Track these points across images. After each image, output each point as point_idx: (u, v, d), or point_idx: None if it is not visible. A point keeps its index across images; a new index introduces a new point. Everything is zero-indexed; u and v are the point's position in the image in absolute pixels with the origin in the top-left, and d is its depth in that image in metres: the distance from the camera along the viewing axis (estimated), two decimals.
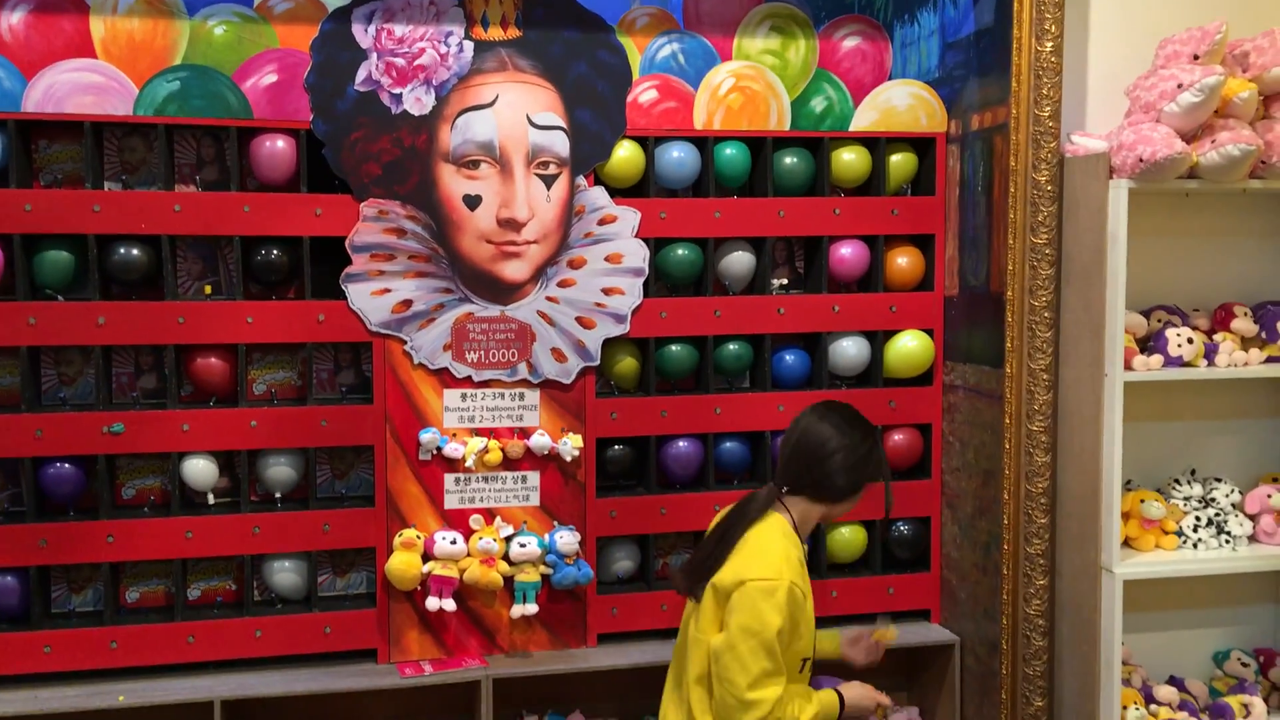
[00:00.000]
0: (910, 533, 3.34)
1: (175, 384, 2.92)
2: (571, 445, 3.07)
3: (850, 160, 3.24)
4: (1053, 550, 2.92)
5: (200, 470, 2.94)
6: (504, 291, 3.04)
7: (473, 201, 2.99)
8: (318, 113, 2.90)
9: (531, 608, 3.05)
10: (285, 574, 3.02)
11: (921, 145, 3.30)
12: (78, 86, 2.77)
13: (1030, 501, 2.92)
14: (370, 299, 2.96)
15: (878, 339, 3.29)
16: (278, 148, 2.91)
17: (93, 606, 3.00)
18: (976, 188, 3.12)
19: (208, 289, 3.00)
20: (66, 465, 2.86)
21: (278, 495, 3.03)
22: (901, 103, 3.23)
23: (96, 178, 2.87)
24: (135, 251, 2.86)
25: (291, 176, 2.94)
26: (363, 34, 2.90)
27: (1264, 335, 2.97)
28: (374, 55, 2.91)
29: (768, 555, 2.26)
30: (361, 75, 2.91)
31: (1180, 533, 2.94)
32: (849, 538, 3.31)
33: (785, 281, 3.35)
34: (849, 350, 3.27)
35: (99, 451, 2.85)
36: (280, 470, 3.00)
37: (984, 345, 3.08)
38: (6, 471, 2.93)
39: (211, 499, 3.00)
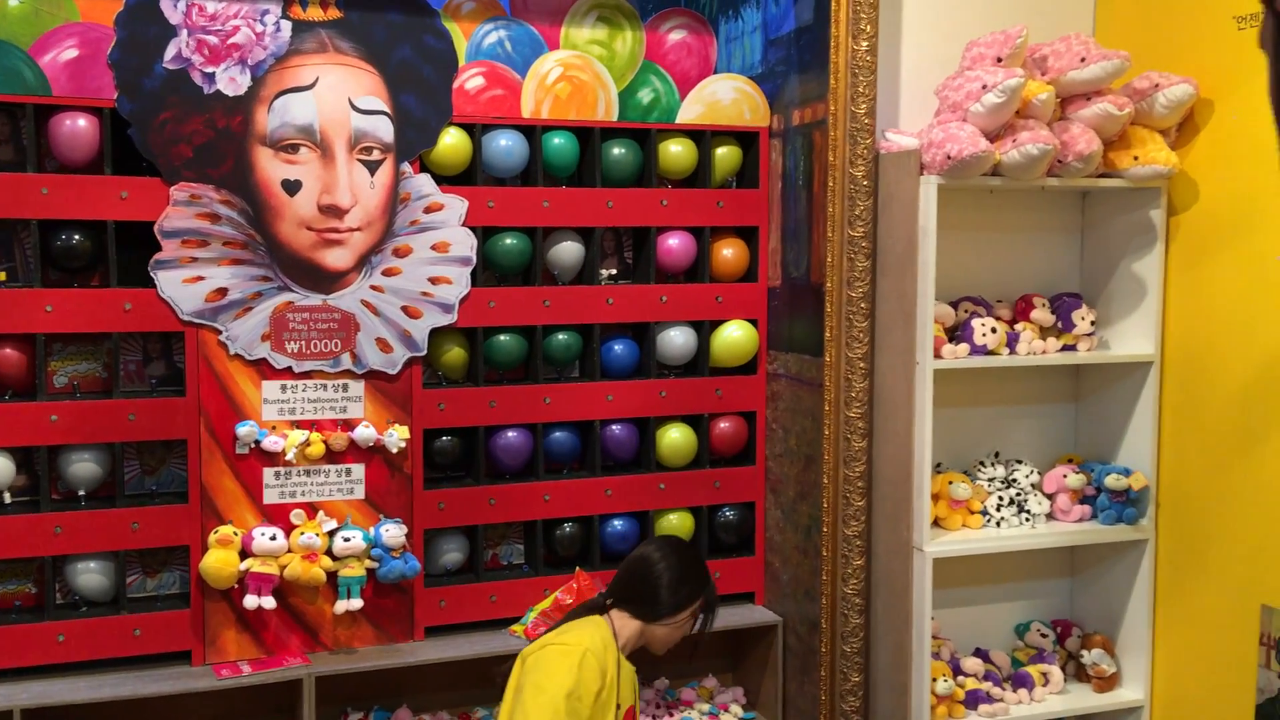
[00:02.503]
0: (735, 517, 3.42)
1: None
2: (398, 437, 3.01)
3: (677, 152, 3.28)
4: (869, 531, 3.04)
5: None
6: (326, 280, 2.96)
7: (292, 187, 2.90)
8: (123, 91, 2.76)
9: (356, 602, 2.99)
10: (90, 575, 2.87)
11: (746, 139, 3.37)
12: None
13: (848, 485, 3.02)
14: (182, 286, 2.84)
15: (704, 329, 3.35)
16: (79, 126, 2.75)
17: None
18: (797, 181, 3.20)
19: (2, 275, 2.81)
20: None
21: (81, 493, 2.87)
22: (726, 96, 3.30)
23: None
24: None
25: (95, 158, 2.79)
26: (172, 9, 2.78)
27: (1060, 325, 3.15)
28: (184, 32, 2.79)
29: (574, 631, 2.40)
30: (171, 53, 2.78)
31: (985, 512, 3.10)
32: (677, 523, 3.36)
33: (614, 271, 3.38)
34: (676, 340, 3.32)
35: None
36: (84, 467, 2.85)
37: (805, 334, 3.17)
38: None
39: (7, 498, 2.82)
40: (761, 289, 3.37)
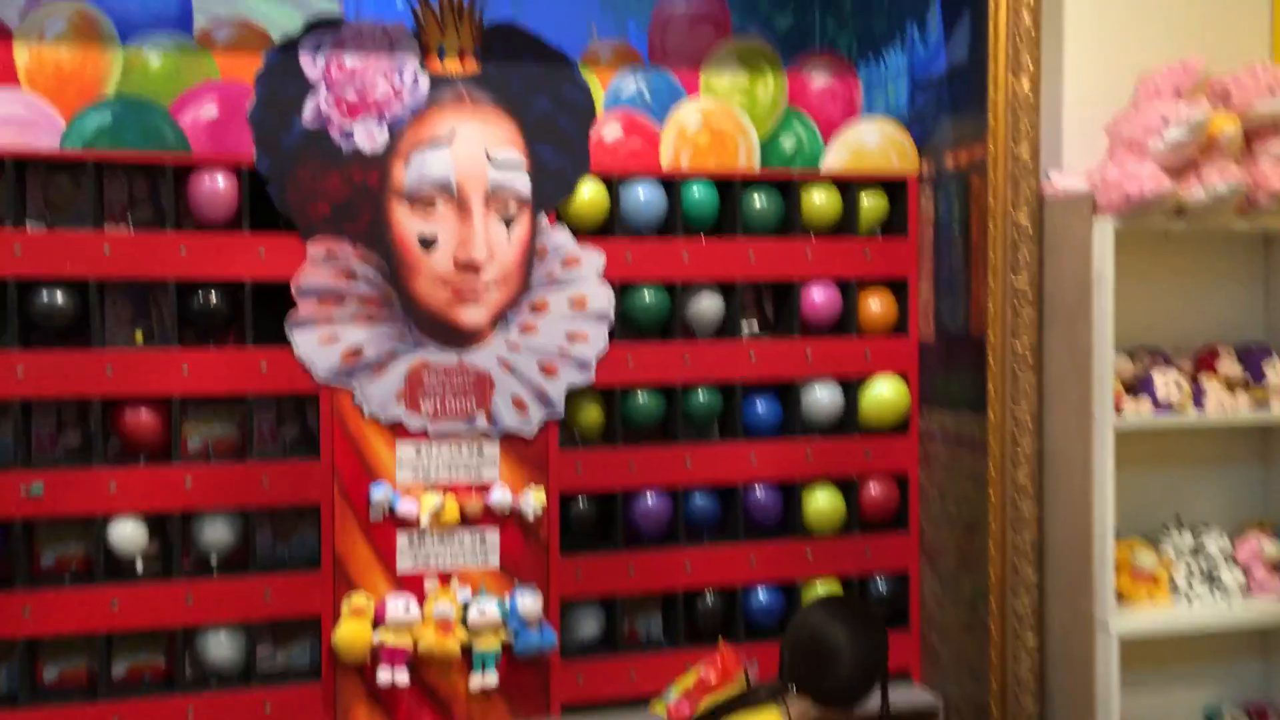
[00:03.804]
0: (887, 589, 3.19)
1: (101, 440, 2.68)
2: (534, 501, 2.88)
3: (822, 201, 3.12)
4: (1042, 606, 2.78)
5: (128, 534, 2.69)
6: (461, 338, 2.86)
7: (428, 242, 2.81)
8: (262, 148, 2.71)
9: (491, 678, 2.83)
10: (221, 647, 2.77)
11: (893, 186, 3.20)
12: None
13: (1017, 554, 2.79)
14: (317, 347, 2.76)
15: (852, 386, 3.16)
16: (218, 186, 2.71)
17: (6, 688, 2.71)
18: (952, 229, 3.02)
19: (139, 336, 2.77)
20: None
21: (214, 560, 2.78)
22: (872, 141, 3.14)
23: (18, 217, 2.64)
24: (60, 296, 2.63)
25: (232, 216, 2.74)
26: (311, 65, 2.73)
27: (1250, 378, 2.88)
28: (323, 88, 2.74)
29: None
30: (309, 109, 2.74)
31: (1174, 585, 2.82)
32: (824, 593, 3.14)
33: (756, 327, 3.21)
34: (822, 398, 3.13)
35: (15, 515, 2.59)
36: (217, 532, 2.77)
37: (963, 390, 2.96)
38: None
39: (140, 566, 2.74)
40: (913, 343, 3.18)
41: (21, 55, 2.59)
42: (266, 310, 2.76)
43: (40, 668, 2.76)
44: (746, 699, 2.20)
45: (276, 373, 2.75)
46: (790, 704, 2.16)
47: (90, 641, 2.71)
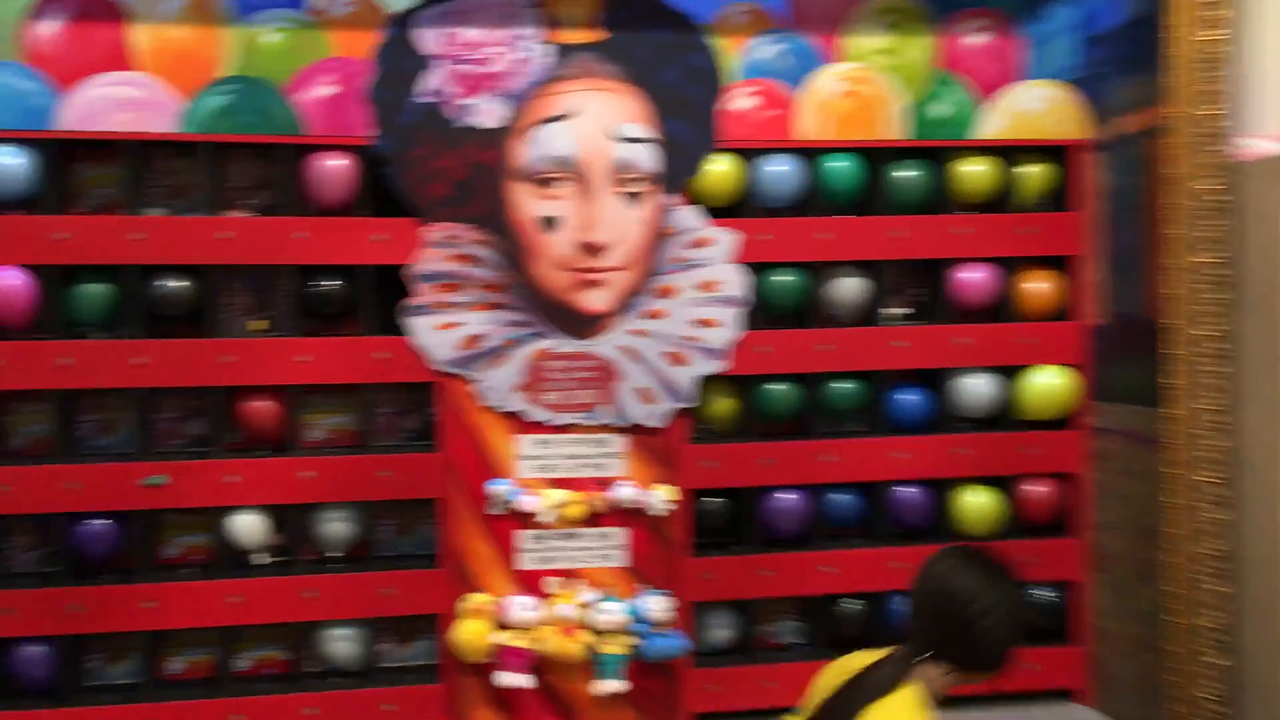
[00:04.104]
0: (1053, 599, 2.91)
1: (223, 430, 2.62)
2: (662, 497, 2.70)
3: (977, 172, 2.85)
4: (1233, 623, 2.46)
5: (249, 526, 2.63)
6: (584, 324, 2.70)
7: (550, 224, 2.66)
8: (379, 127, 2.60)
9: (617, 683, 2.67)
10: (342, 643, 2.69)
11: (1059, 154, 2.91)
12: (116, 102, 2.51)
13: (1200, 566, 2.47)
14: (435, 334, 2.64)
15: (1011, 375, 2.88)
16: (335, 167, 2.62)
17: (131, 678, 2.69)
18: (1127, 200, 2.70)
19: (260, 324, 2.70)
20: (102, 521, 2.57)
21: (334, 554, 2.70)
22: (1035, 106, 2.84)
23: (138, 203, 2.60)
24: (179, 283, 2.58)
25: (350, 199, 2.64)
26: (429, 39, 2.61)
27: None
28: (441, 63, 2.61)
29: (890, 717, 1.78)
30: (427, 85, 2.61)
31: None
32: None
33: (902, 311, 2.97)
34: (977, 388, 2.87)
35: (137, 506, 2.56)
36: (336, 526, 2.69)
37: (1140, 382, 2.65)
38: (38, 528, 2.65)
39: (267, 558, 2.68)
40: (1081, 329, 2.87)
41: (138, 37, 2.54)
42: (385, 296, 2.65)
43: (165, 660, 2.73)
44: (873, 683, 1.85)
45: (394, 361, 2.65)
46: (924, 675, 1.83)
47: (212, 634, 2.67)
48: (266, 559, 2.68)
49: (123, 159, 2.55)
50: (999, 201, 2.91)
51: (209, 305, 2.59)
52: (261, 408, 2.65)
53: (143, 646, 2.60)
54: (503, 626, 2.65)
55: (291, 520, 2.66)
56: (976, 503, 2.87)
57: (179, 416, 2.73)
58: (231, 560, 2.67)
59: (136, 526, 2.58)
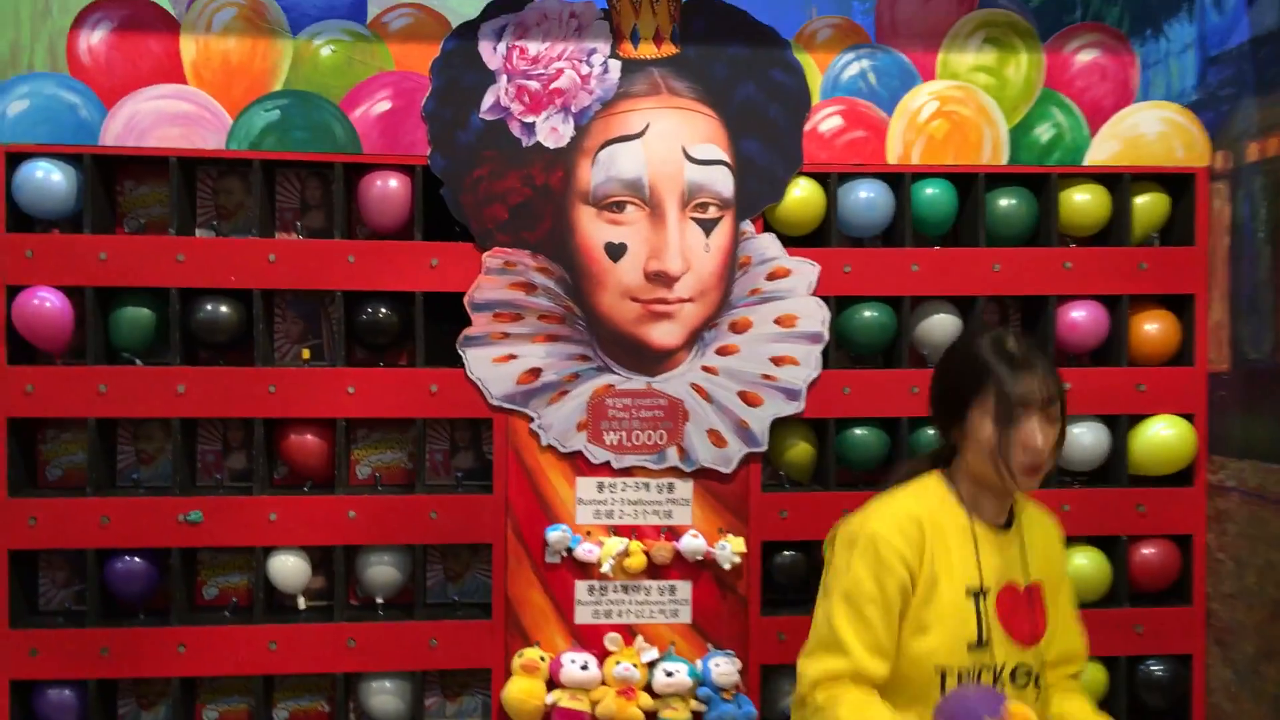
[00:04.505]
0: (1165, 674, 2.62)
1: (264, 465, 2.47)
2: (731, 550, 2.49)
3: (1085, 202, 2.61)
4: None
5: (289, 569, 2.47)
6: (651, 360, 2.50)
7: (616, 251, 2.48)
8: (436, 146, 2.45)
9: None
10: (385, 696, 2.51)
11: (1176, 183, 2.64)
12: (164, 116, 2.39)
13: None
14: (492, 366, 2.47)
15: (1120, 426, 2.61)
16: (390, 188, 2.46)
17: None
18: (1255, 234, 2.44)
19: (306, 353, 2.56)
20: (136, 559, 2.43)
21: (379, 600, 2.53)
22: (1151, 130, 2.59)
23: (184, 223, 2.47)
24: (223, 309, 2.44)
25: (404, 222, 2.49)
26: (491, 53, 2.45)
27: None
28: (504, 78, 2.45)
29: (875, 505, 1.76)
30: (488, 101, 2.45)
31: None
32: (1085, 677, 2.59)
33: None
34: (1082, 440, 2.61)
35: (173, 544, 2.41)
36: (383, 571, 2.51)
37: (1266, 435, 2.39)
38: (70, 563, 2.52)
39: (303, 603, 2.53)
40: (1200, 375, 2.61)
41: (188, 49, 2.41)
42: (439, 326, 2.49)
43: (200, 709, 2.57)
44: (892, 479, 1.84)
45: (448, 395, 2.48)
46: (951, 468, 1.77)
47: (248, 682, 2.50)
48: (305, 604, 2.52)
49: (170, 177, 2.41)
50: (1109, 234, 2.66)
51: (255, 332, 2.44)
52: (307, 442, 2.50)
53: (176, 692, 2.44)
54: (556, 685, 2.45)
55: (335, 563, 2.49)
56: (1081, 566, 2.60)
57: (220, 449, 2.59)
58: (270, 604, 2.51)
59: (173, 565, 2.43)
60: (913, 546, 1.66)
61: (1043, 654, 1.71)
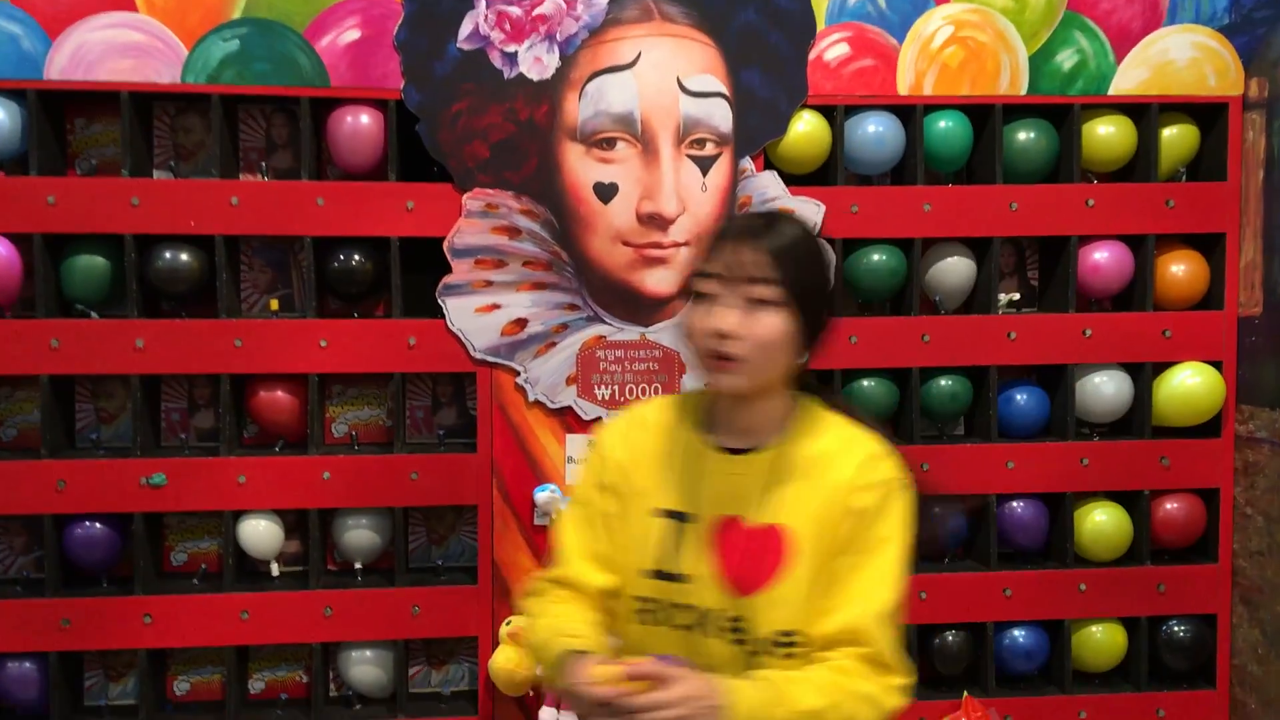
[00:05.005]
0: (1188, 635, 2.51)
1: (233, 424, 2.32)
2: None
3: (1109, 134, 2.45)
4: None
5: (261, 534, 2.33)
6: (645, 308, 2.35)
7: (606, 192, 2.31)
8: (411, 78, 2.27)
9: None
10: (366, 666, 2.38)
11: (1207, 114, 2.49)
12: (114, 47, 2.21)
13: None
14: (474, 317, 2.31)
15: (1144, 374, 2.47)
16: (361, 125, 2.29)
17: (133, 699, 2.40)
18: None
19: (274, 304, 2.39)
20: (97, 525, 2.28)
21: (358, 565, 2.39)
22: (1182, 56, 2.43)
23: (140, 164, 2.30)
24: (184, 256, 2.27)
25: (378, 161, 2.32)
26: None
27: None
28: (483, 4, 2.27)
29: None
30: (467, 29, 2.27)
31: None
32: (1102, 638, 2.49)
33: (1016, 297, 2.59)
34: (1104, 389, 2.47)
35: (138, 508, 2.26)
36: (360, 534, 2.37)
37: None
38: (27, 530, 2.37)
39: (276, 569, 2.38)
40: (1229, 319, 2.47)
41: None
42: (416, 274, 2.33)
43: (171, 680, 2.44)
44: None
45: (427, 347, 2.32)
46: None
47: (222, 653, 2.37)
48: (278, 570, 2.38)
49: (121, 114, 2.23)
50: (1134, 169, 2.51)
51: (218, 282, 2.27)
52: (277, 399, 2.34)
53: (145, 664, 2.30)
54: None
55: (310, 527, 2.34)
56: (1100, 522, 2.47)
57: (186, 407, 2.43)
58: (242, 571, 2.37)
59: (136, 531, 2.28)
60: (630, 451, 1.39)
61: (763, 610, 1.31)
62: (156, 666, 2.38)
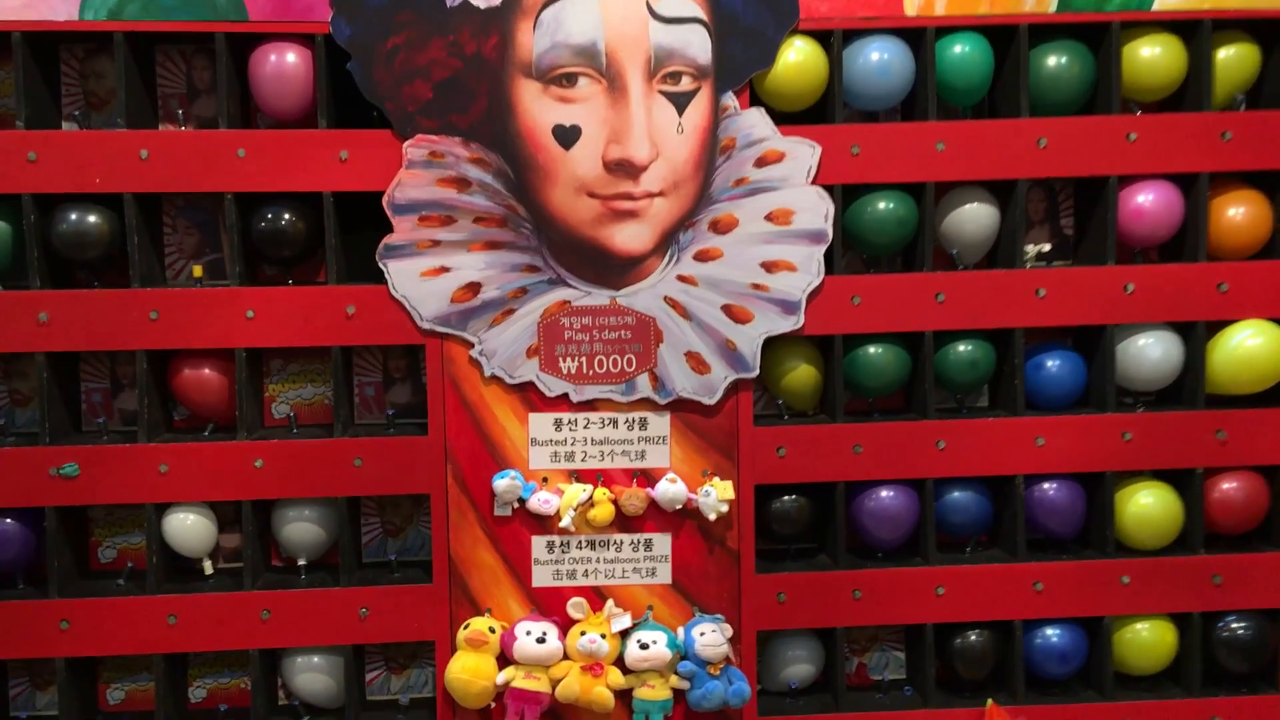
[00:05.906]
0: (1248, 633, 2.22)
1: (153, 407, 2.08)
2: (717, 496, 2.07)
3: (1154, 57, 2.14)
4: None
5: (188, 528, 2.10)
6: (615, 269, 2.07)
7: (568, 136, 2.02)
8: (340, 9, 2.00)
9: None
10: (312, 674, 2.15)
11: (1269, 30, 2.17)
12: None
13: None
14: (420, 282, 2.04)
15: (1196, 335, 2.18)
16: (286, 64, 2.03)
17: (60, 709, 2.18)
18: None
19: (198, 270, 2.14)
20: (7, 520, 2.06)
21: (302, 562, 2.15)
22: None
23: (43, 114, 2.06)
24: (91, 218, 2.03)
25: (308, 106, 2.05)
26: None
27: None
28: None
29: None
30: None
31: None
32: (1149, 637, 2.21)
33: (1047, 248, 2.29)
34: (1150, 352, 2.18)
35: (47, 503, 2.03)
36: (302, 528, 2.13)
37: None
38: None
39: (209, 568, 2.15)
40: None
41: None
42: (353, 234, 2.07)
43: (103, 689, 2.23)
44: None
45: (368, 317, 2.06)
46: None
47: (155, 658, 2.14)
48: (211, 568, 2.15)
49: (14, 57, 1.98)
50: (1183, 97, 2.19)
51: (129, 246, 2.03)
52: (204, 377, 2.10)
53: (64, 674, 2.09)
54: (509, 661, 2.06)
55: (245, 520, 2.10)
56: (1146, 505, 2.19)
57: (109, 387, 2.19)
58: (172, 569, 2.14)
59: (48, 528, 2.05)
60: None
61: None
62: (84, 674, 2.16)
